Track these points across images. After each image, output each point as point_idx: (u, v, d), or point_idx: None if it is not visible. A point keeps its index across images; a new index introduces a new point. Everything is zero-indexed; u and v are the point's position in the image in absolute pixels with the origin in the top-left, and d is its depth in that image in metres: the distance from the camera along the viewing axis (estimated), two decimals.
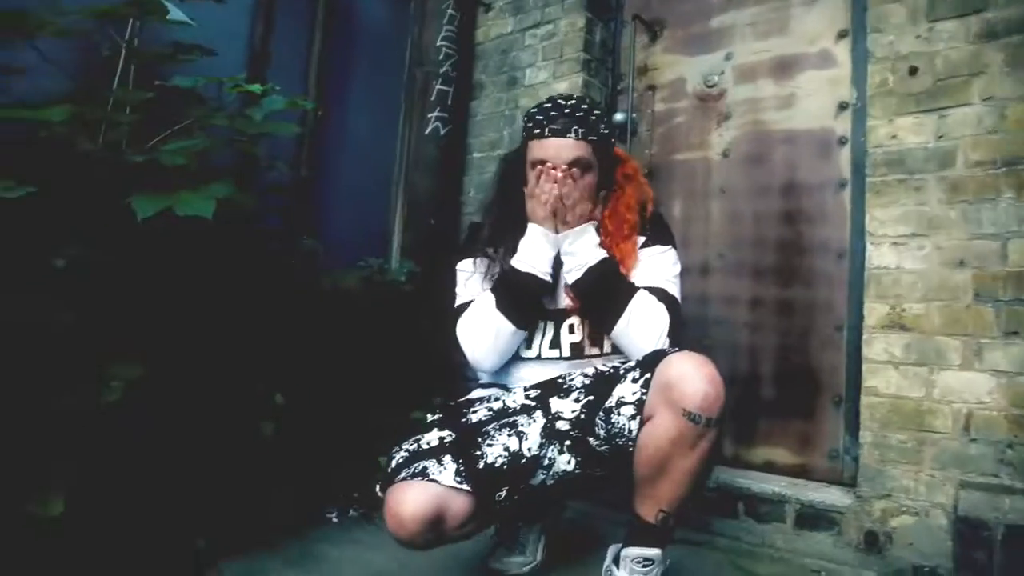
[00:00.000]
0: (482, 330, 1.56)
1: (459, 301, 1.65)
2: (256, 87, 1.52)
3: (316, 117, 2.58)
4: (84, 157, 1.34)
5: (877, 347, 1.84)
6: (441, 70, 2.79)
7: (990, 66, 1.77)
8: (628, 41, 2.66)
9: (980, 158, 1.76)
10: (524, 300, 1.57)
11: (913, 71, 1.88)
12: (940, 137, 1.82)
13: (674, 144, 2.52)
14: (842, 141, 2.12)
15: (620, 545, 1.45)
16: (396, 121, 2.94)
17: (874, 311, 1.85)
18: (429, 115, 2.77)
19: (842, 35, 2.17)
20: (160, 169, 1.33)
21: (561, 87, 2.66)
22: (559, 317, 1.63)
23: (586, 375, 1.55)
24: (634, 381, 1.42)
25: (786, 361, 2.17)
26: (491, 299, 1.56)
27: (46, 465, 1.31)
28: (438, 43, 2.81)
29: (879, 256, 1.87)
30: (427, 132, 2.74)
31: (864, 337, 1.87)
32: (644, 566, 1.39)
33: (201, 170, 1.43)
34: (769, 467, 2.14)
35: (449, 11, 2.83)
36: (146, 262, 1.43)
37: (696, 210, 2.43)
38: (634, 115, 2.60)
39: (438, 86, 2.78)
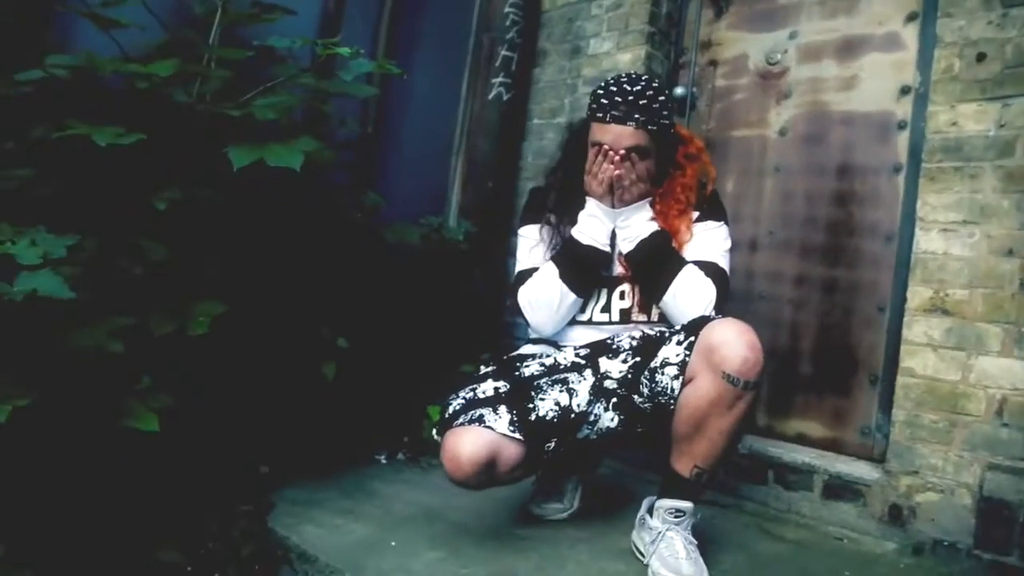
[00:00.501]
0: (546, 298, 1.66)
1: (521, 267, 1.74)
2: (346, 50, 1.61)
3: (382, 78, 2.68)
4: (186, 109, 1.47)
5: (917, 329, 1.89)
6: (507, 36, 2.85)
7: None
8: (693, 15, 2.69)
9: None
10: (587, 271, 1.66)
11: (981, 57, 1.88)
12: (1002, 126, 1.83)
13: (732, 120, 2.56)
14: (901, 125, 2.14)
15: (655, 497, 1.55)
16: (460, 84, 3.03)
17: (917, 294, 1.90)
18: (493, 80, 2.85)
19: (911, 18, 2.17)
20: (253, 123, 1.45)
21: (625, 58, 2.70)
22: (612, 284, 1.72)
23: (633, 337, 1.64)
24: (679, 344, 1.51)
25: (826, 338, 2.22)
26: (554, 269, 1.66)
27: (142, 387, 1.47)
28: (505, 9, 2.87)
29: (927, 241, 1.90)
30: (490, 97, 2.82)
31: (905, 319, 1.92)
32: (676, 517, 1.50)
33: (288, 126, 1.55)
34: (801, 439, 2.21)
35: None
36: (234, 208, 1.57)
37: (749, 187, 2.47)
38: (694, 89, 2.64)
39: (503, 52, 2.85)
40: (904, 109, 2.14)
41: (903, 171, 2.11)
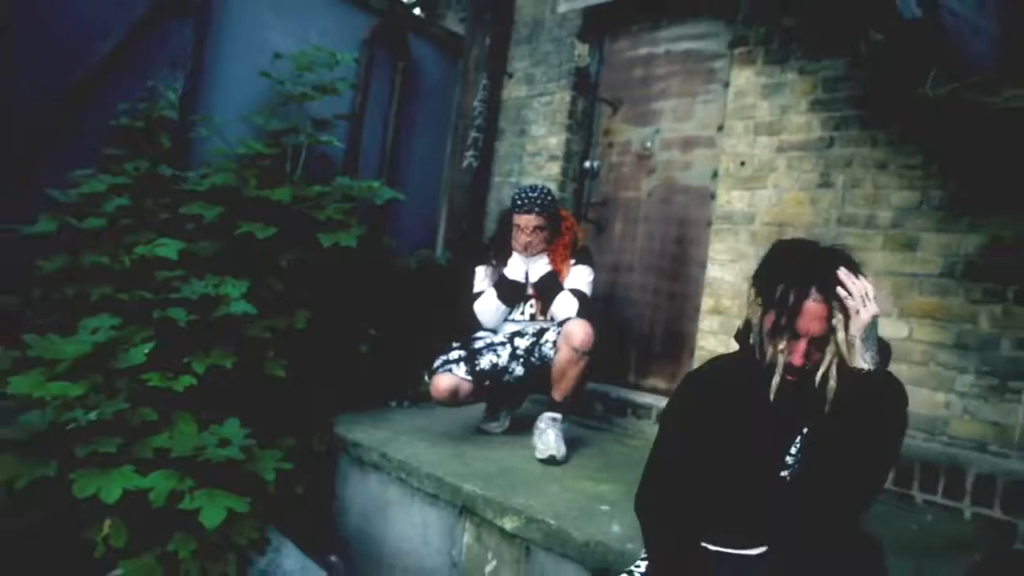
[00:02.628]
0: (489, 308, 3.02)
1: (476, 290, 3.10)
2: (377, 183, 2.97)
3: (392, 156, 4.03)
4: (296, 212, 2.83)
5: (706, 323, 3.25)
6: (476, 122, 4.20)
7: (778, 168, 3.12)
8: (598, 112, 4.03)
9: (768, 220, 3.12)
10: (511, 293, 3.02)
11: (742, 164, 3.23)
12: (750, 206, 3.18)
13: (620, 184, 3.90)
14: (712, 196, 3.47)
15: (543, 413, 2.92)
16: (443, 154, 4.39)
17: (706, 302, 3.25)
18: (466, 152, 4.20)
19: (719, 128, 3.50)
20: (330, 219, 2.81)
21: (553, 140, 4.05)
22: (525, 299, 3.08)
23: (534, 329, 3.00)
24: (554, 331, 2.88)
25: (668, 327, 3.59)
26: (494, 292, 3.02)
27: (274, 355, 2.83)
28: (474, 104, 4.22)
29: (713, 271, 3.26)
30: (464, 165, 4.18)
31: (701, 316, 3.28)
32: (552, 421, 2.86)
33: (346, 218, 2.91)
34: (652, 390, 3.59)
35: (483, 81, 4.23)
36: (318, 261, 2.93)
37: (629, 229, 3.83)
38: (597, 163, 3.99)
39: (472, 133, 4.20)
40: (714, 186, 3.47)
41: (712, 225, 3.45)
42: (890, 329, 2.76)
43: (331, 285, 3.14)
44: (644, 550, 1.67)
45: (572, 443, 3.00)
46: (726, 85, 3.41)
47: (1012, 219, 2.51)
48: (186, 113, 3.35)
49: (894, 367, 2.62)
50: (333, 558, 3.05)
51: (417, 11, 5.05)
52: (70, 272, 2.66)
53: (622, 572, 1.69)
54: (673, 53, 3.76)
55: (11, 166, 2.93)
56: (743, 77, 3.29)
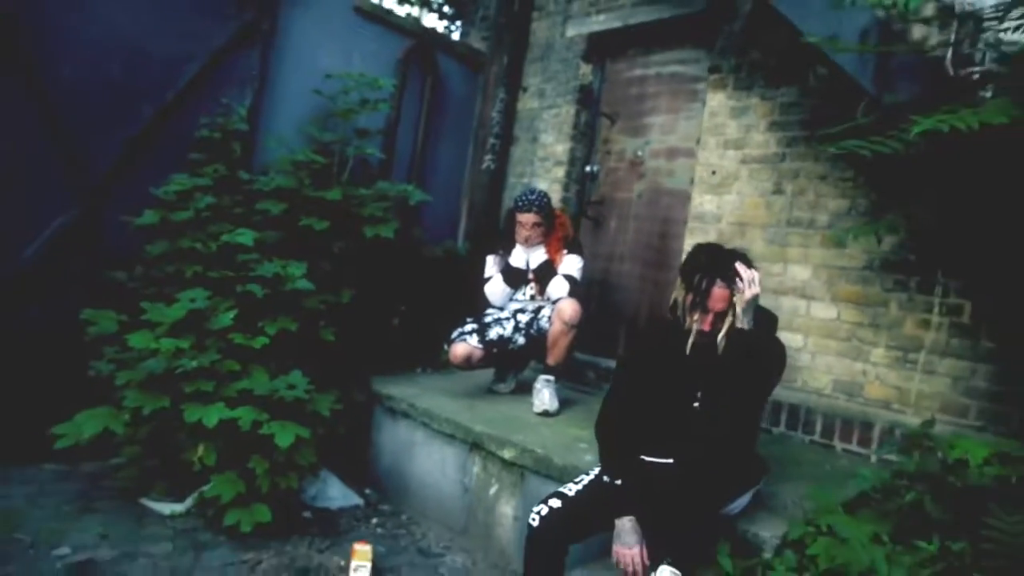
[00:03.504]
0: (497, 291, 3.71)
1: (486, 275, 3.79)
2: (410, 187, 3.68)
3: (421, 159, 4.73)
4: (343, 208, 3.54)
5: None
6: (494, 131, 4.87)
7: (741, 177, 3.75)
8: (599, 124, 4.67)
9: (732, 220, 3.76)
10: (515, 278, 3.70)
11: (713, 173, 3.86)
12: (718, 208, 3.81)
13: (616, 187, 4.55)
14: (689, 199, 4.11)
15: (539, 375, 3.60)
16: (465, 158, 5.07)
17: None
18: (485, 157, 4.88)
19: (697, 141, 4.13)
20: (371, 215, 3.52)
21: (559, 148, 4.71)
22: (526, 282, 3.75)
23: (534, 307, 3.68)
24: (549, 308, 3.55)
25: (651, 308, 4.24)
26: (500, 277, 3.70)
27: (323, 322, 3.54)
28: (493, 114, 4.89)
29: None
30: (483, 168, 4.86)
31: None
32: (546, 382, 3.55)
33: (386, 213, 3.62)
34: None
35: (501, 95, 4.90)
36: (362, 249, 3.65)
37: (623, 225, 4.48)
38: (597, 167, 4.64)
39: (491, 140, 4.87)
40: (691, 190, 4.10)
41: (688, 224, 4.08)
42: (823, 311, 3.40)
43: (371, 269, 3.84)
44: (599, 462, 2.35)
45: (565, 402, 3.68)
46: (704, 105, 4.03)
47: (915, 222, 3.12)
48: (253, 125, 4.06)
49: (824, 342, 3.31)
50: (367, 491, 3.77)
51: (443, 23, 5.71)
52: (169, 254, 3.39)
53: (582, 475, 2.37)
54: (663, 75, 4.40)
55: (120, 168, 3.67)
56: (717, 99, 3.92)
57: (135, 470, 3.27)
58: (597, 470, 2.34)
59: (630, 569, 2.10)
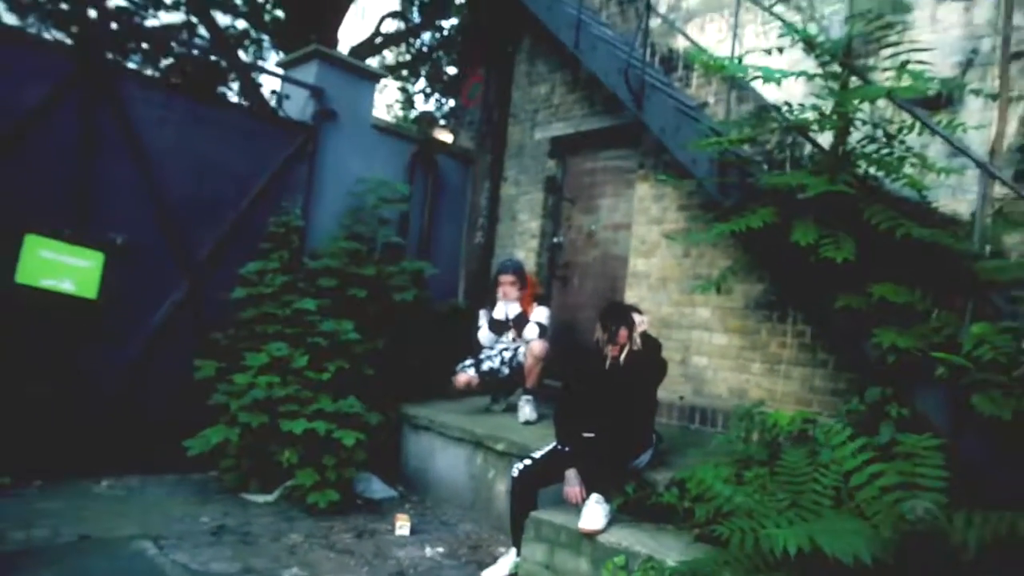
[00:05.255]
0: (486, 336, 5.13)
1: (478, 325, 5.21)
2: (425, 265, 5.12)
3: (428, 236, 6.19)
4: (377, 281, 4.96)
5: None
6: (482, 213, 6.35)
7: (661, 245, 5.19)
8: (562, 205, 6.15)
9: (657, 277, 5.19)
10: (498, 328, 5.12)
11: (643, 242, 5.31)
12: (647, 268, 5.25)
13: (576, 253, 6.00)
14: (627, 262, 5.54)
15: (521, 396, 4.99)
16: (461, 234, 6.54)
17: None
18: (476, 233, 6.34)
19: (632, 219, 5.58)
20: (397, 285, 4.95)
21: (534, 224, 6.17)
22: (507, 329, 5.16)
23: (514, 347, 5.08)
24: (524, 347, 4.96)
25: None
26: (488, 326, 5.11)
27: (366, 363, 4.95)
28: (481, 199, 6.37)
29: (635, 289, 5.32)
30: (475, 242, 6.32)
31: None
32: (527, 400, 4.93)
33: (407, 282, 5.04)
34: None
35: (487, 184, 6.39)
36: (390, 309, 5.06)
37: (583, 282, 5.91)
38: (562, 239, 6.10)
39: (480, 220, 6.34)
40: (629, 255, 5.54)
41: (627, 280, 5.49)
42: (720, 340, 4.81)
43: (397, 323, 5.26)
44: (555, 437, 3.72)
45: (542, 415, 5.02)
46: (635, 191, 5.51)
47: (772, 275, 4.55)
48: (305, 220, 5.51)
49: (720, 361, 4.73)
50: (400, 488, 5.11)
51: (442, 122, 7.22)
52: (256, 318, 4.80)
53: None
54: (608, 168, 5.90)
55: (213, 256, 5.09)
56: (643, 188, 5.40)
57: (235, 474, 4.61)
58: (554, 443, 3.72)
59: (573, 500, 3.46)
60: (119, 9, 12.72)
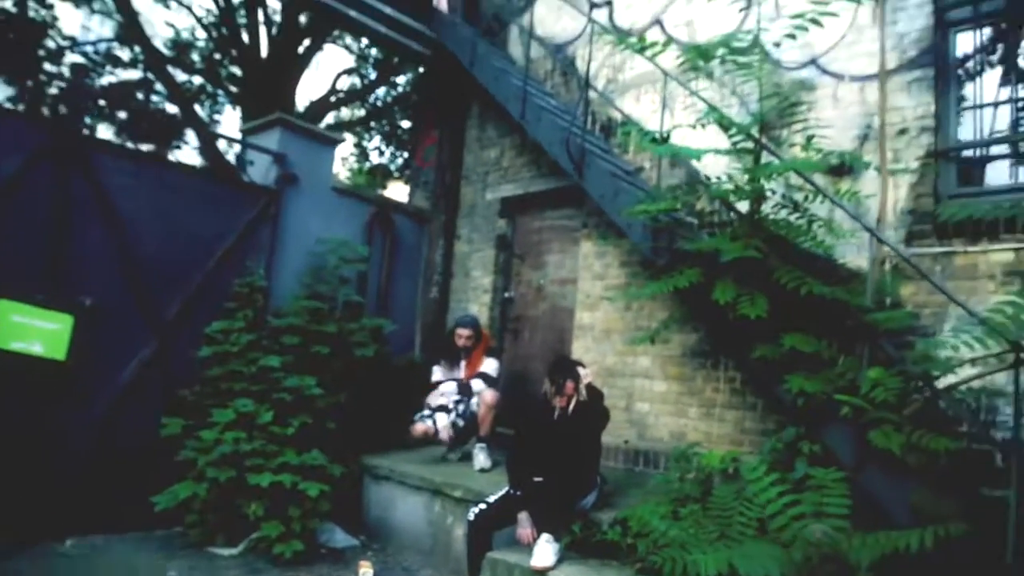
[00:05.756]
0: (442, 388, 5.42)
1: (433, 379, 5.51)
2: (384, 322, 5.43)
3: (386, 292, 6.50)
4: (338, 338, 5.24)
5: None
6: (437, 270, 6.70)
7: (603, 304, 5.60)
8: (513, 262, 6.55)
9: (601, 329, 5.59)
10: (453, 378, 5.43)
11: (587, 296, 5.72)
12: (592, 321, 5.65)
13: (527, 306, 6.38)
14: (574, 314, 5.93)
15: (476, 445, 5.28)
16: (417, 290, 6.87)
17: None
18: (432, 288, 6.68)
19: (578, 274, 5.99)
20: (358, 341, 5.22)
21: (486, 280, 6.55)
22: (460, 381, 5.47)
23: (467, 396, 5.39)
24: (476, 397, 5.27)
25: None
26: (442, 379, 5.42)
27: (328, 417, 5.20)
28: (436, 257, 6.73)
29: (578, 353, 5.69)
30: (430, 297, 6.65)
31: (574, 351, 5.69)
32: (481, 448, 5.22)
33: (368, 337, 5.33)
34: None
35: (441, 242, 6.77)
36: (351, 364, 5.33)
37: (533, 335, 6.27)
38: (513, 293, 6.47)
39: (436, 276, 6.69)
40: (575, 308, 5.93)
41: (574, 332, 5.88)
42: (660, 387, 5.20)
43: (358, 378, 5.52)
44: (507, 484, 4.02)
45: (496, 463, 5.31)
46: (580, 248, 5.93)
47: (707, 326, 4.97)
48: (268, 279, 5.77)
49: (661, 407, 5.11)
50: (362, 537, 5.31)
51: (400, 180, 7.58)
52: (223, 375, 5.01)
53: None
54: (554, 226, 6.33)
55: (181, 315, 5.30)
56: (587, 246, 5.84)
57: (201, 528, 4.76)
58: (507, 488, 4.02)
59: (525, 540, 3.76)
60: (76, 66, 12.95)
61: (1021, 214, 3.31)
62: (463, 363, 5.45)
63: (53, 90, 11.95)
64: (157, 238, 5.26)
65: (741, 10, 4.91)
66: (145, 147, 12.97)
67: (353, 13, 6.68)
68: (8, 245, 4.57)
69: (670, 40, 4.77)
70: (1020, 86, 4.27)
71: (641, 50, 4.31)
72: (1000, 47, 4.39)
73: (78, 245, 4.87)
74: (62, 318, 4.73)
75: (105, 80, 13.06)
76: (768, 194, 4.17)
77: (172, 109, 13.30)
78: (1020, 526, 2.82)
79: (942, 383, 3.49)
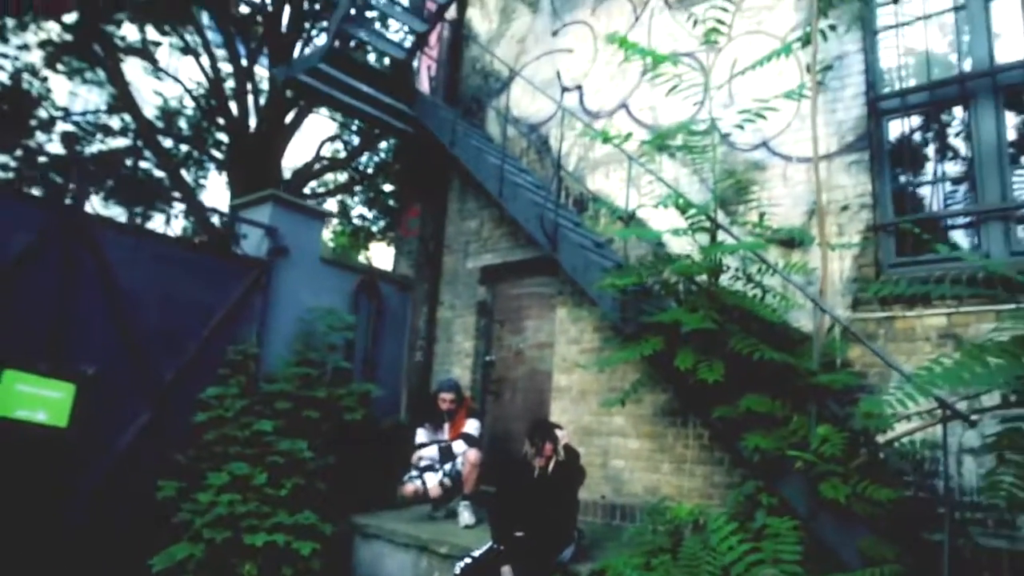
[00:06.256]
0: (426, 452, 5.70)
1: (417, 441, 5.80)
2: (372, 387, 5.73)
3: (372, 357, 6.81)
4: (328, 403, 5.52)
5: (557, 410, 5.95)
6: (422, 334, 7.03)
7: (576, 370, 5.96)
8: (493, 327, 6.91)
9: (577, 390, 5.93)
10: (437, 440, 5.72)
11: (564, 360, 6.08)
12: (569, 383, 5.99)
13: (507, 369, 6.71)
14: (551, 377, 6.27)
15: (460, 502, 5.53)
16: (402, 355, 7.19)
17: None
18: (416, 352, 7.00)
19: (555, 339, 6.36)
20: (347, 406, 5.51)
21: (468, 344, 6.88)
22: (443, 443, 5.76)
23: (452, 457, 5.67)
24: (460, 457, 5.55)
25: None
26: (427, 441, 5.71)
27: (319, 478, 5.44)
28: (420, 323, 7.07)
29: (553, 418, 6.00)
30: (415, 361, 6.96)
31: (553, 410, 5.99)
32: (466, 506, 5.48)
33: (356, 403, 5.61)
34: None
35: (425, 308, 7.11)
36: (341, 427, 5.60)
37: (513, 396, 6.59)
38: (494, 357, 6.81)
39: (420, 341, 7.02)
40: (553, 371, 6.27)
41: (552, 393, 6.21)
42: (634, 444, 5.52)
43: (347, 440, 5.78)
44: (491, 539, 4.30)
45: (480, 519, 5.56)
46: (556, 314, 6.32)
47: (675, 387, 5.34)
48: (260, 347, 6.07)
49: (635, 463, 5.44)
50: None
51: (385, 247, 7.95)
52: (218, 440, 5.26)
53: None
54: (532, 293, 6.72)
55: (176, 382, 5.56)
56: (562, 312, 6.22)
57: None
58: (490, 542, 4.29)
59: None
60: (67, 135, 13.36)
61: (935, 290, 3.74)
62: (446, 425, 5.74)
63: (43, 158, 12.35)
64: (155, 308, 5.56)
65: (695, 104, 5.43)
66: (135, 209, 13.38)
67: (338, 95, 7.17)
68: (15, 317, 4.84)
69: (630, 135, 5.26)
70: (944, 165, 4.80)
71: (606, 140, 4.78)
72: (927, 132, 4.95)
73: (81, 315, 5.15)
74: (65, 387, 4.98)
75: (95, 148, 13.47)
76: (725, 268, 4.60)
77: (159, 174, 13.69)
78: (951, 566, 3.17)
79: (885, 437, 3.87)
